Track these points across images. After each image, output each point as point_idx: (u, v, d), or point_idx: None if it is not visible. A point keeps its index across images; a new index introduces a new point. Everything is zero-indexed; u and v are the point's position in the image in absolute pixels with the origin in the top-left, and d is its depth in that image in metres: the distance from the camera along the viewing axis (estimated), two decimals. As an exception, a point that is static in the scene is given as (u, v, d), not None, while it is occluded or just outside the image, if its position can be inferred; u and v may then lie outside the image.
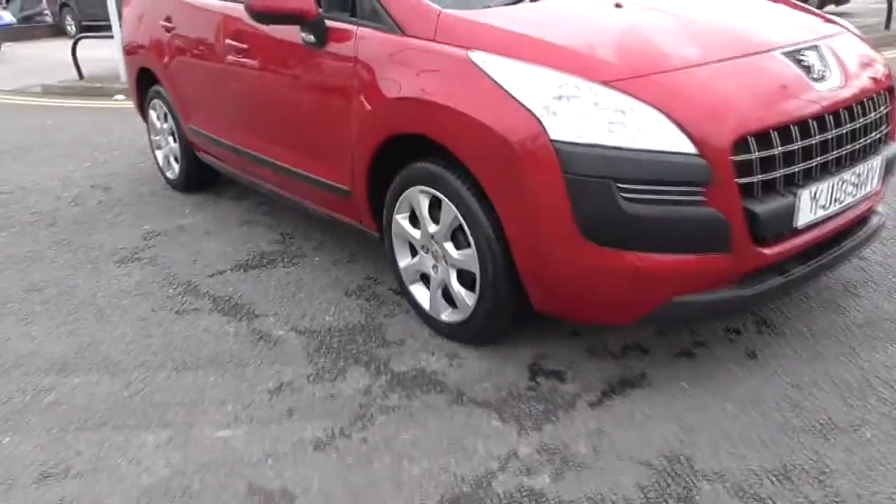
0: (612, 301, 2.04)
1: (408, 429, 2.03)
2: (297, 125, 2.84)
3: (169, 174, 4.38)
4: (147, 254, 3.41)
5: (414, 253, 2.55)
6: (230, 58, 3.17)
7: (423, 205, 2.37)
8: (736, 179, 1.88)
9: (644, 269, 1.94)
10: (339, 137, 2.59)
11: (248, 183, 3.60)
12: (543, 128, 1.91)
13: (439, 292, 2.45)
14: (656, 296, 2.00)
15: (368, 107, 2.41)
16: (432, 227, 2.36)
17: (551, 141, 1.90)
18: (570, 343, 2.43)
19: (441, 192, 2.26)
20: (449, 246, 2.33)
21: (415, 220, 2.47)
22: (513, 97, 1.96)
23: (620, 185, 1.86)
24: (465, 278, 2.33)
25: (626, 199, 1.86)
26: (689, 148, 1.85)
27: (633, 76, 1.94)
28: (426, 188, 2.31)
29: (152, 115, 4.32)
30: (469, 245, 2.22)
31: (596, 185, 1.88)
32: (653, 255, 1.93)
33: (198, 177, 4.19)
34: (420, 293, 2.56)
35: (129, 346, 2.57)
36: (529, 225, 2.01)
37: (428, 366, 2.34)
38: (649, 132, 1.87)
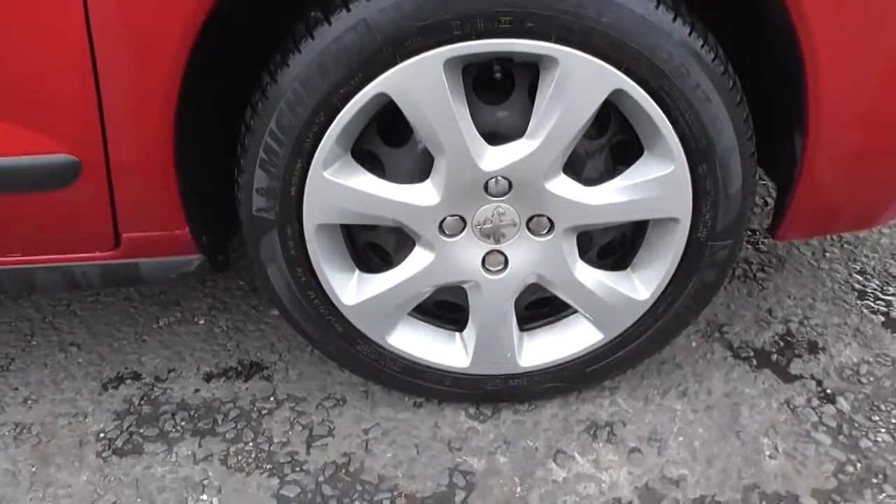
0: None
1: None
2: None
3: None
4: None
5: (369, 263, 1.12)
6: None
7: (450, 104, 0.89)
8: None
9: None
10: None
11: None
12: None
13: (511, 311, 1.01)
14: None
15: None
16: (510, 154, 0.89)
17: None
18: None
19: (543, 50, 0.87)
20: (564, 183, 0.91)
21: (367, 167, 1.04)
22: None
23: None
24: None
25: None
26: None
27: None
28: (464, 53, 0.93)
29: None
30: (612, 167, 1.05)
31: None
32: None
33: None
34: (424, 341, 1.13)
35: None
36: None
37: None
38: None
